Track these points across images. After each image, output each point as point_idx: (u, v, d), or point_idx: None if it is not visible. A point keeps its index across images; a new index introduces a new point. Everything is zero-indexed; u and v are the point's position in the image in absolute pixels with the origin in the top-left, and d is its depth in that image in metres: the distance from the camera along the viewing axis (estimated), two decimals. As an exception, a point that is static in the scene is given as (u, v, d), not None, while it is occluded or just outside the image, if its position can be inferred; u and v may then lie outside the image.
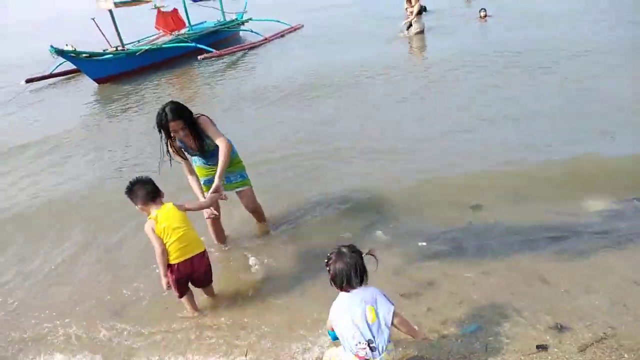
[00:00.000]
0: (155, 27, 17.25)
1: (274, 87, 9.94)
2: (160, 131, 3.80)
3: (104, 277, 4.39)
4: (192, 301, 3.68)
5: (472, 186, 5.04)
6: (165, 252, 3.34)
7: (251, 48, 15.86)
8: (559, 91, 7.53)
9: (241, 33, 19.43)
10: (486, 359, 2.89)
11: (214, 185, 3.74)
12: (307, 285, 3.84)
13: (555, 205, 4.50)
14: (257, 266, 4.17)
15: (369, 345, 2.49)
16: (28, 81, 14.58)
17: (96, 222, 5.29)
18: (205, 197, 3.82)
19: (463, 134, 6.36)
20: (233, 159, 4.19)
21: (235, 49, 15.57)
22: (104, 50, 13.93)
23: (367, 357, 2.50)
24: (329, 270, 2.65)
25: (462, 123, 6.74)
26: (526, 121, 6.52)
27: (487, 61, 9.65)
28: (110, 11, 14.44)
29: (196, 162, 4.18)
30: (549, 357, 2.84)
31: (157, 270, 3.55)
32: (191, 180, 4.04)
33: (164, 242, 3.33)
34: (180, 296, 3.58)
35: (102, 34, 14.67)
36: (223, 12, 19.52)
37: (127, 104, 10.70)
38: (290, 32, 18.08)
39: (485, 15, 14.97)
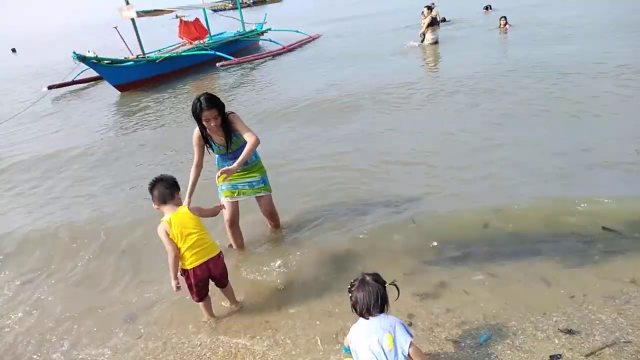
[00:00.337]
0: (179, 36, 17.61)
1: (305, 99, 9.80)
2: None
3: (125, 279, 4.44)
4: (209, 307, 3.66)
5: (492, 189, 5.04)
6: (177, 257, 3.32)
7: (270, 56, 16.02)
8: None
9: (260, 42, 19.67)
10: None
11: (229, 167, 3.74)
12: (324, 295, 3.78)
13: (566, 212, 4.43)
14: (275, 273, 4.14)
15: (384, 372, 2.51)
16: (50, 87, 14.92)
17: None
18: (190, 200, 3.86)
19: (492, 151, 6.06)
20: (256, 163, 4.24)
21: (254, 57, 15.74)
22: (125, 58, 14.19)
23: None
24: (350, 297, 2.69)
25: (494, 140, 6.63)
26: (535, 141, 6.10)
27: (494, 85, 8.95)
28: (133, 20, 14.73)
29: (219, 164, 4.19)
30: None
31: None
32: (192, 171, 4.08)
33: (179, 247, 3.33)
34: (199, 300, 3.57)
35: (124, 42, 14.96)
36: (243, 23, 19.82)
37: (147, 113, 10.87)
38: (308, 41, 18.24)
39: (506, 24, 14.72)
